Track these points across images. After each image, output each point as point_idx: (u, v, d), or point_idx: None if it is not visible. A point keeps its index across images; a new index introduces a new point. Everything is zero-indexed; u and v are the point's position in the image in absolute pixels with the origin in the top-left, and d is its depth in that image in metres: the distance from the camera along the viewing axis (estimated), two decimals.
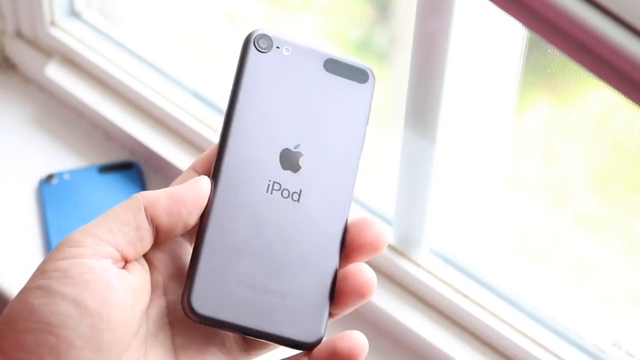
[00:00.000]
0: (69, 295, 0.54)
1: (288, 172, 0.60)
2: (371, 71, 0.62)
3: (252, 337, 0.58)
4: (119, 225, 0.56)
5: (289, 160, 0.60)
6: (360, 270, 0.58)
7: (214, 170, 0.59)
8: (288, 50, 0.61)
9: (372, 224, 0.60)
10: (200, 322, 0.57)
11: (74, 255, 0.55)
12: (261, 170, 0.59)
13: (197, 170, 0.61)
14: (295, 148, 0.60)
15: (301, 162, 0.60)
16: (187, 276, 0.57)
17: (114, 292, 0.55)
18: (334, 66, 0.62)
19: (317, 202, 0.60)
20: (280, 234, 0.59)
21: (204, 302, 0.56)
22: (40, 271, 0.55)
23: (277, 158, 0.60)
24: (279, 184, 0.60)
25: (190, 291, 0.57)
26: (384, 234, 0.60)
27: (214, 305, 0.57)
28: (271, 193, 0.59)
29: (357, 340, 0.58)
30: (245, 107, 0.60)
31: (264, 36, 0.61)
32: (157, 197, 0.57)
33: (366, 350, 0.58)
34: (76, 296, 0.54)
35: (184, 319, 0.58)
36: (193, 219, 0.58)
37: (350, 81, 0.62)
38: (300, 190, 0.60)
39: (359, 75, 0.62)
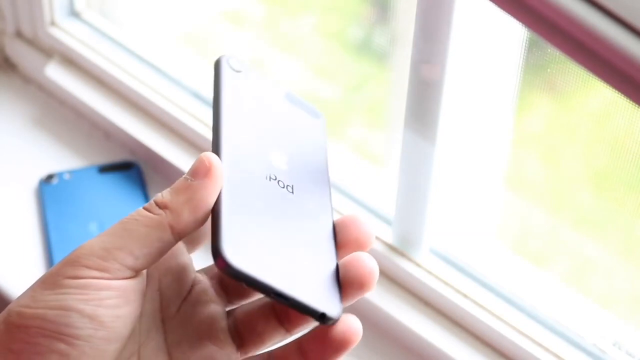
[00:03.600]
0: (84, 311, 0.54)
1: (278, 168, 0.61)
2: (321, 114, 0.66)
3: (280, 302, 0.56)
4: (143, 249, 0.55)
5: (276, 164, 0.61)
6: (361, 259, 0.58)
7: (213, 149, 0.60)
8: (255, 76, 0.64)
9: (357, 221, 0.60)
10: (232, 277, 0.55)
11: (92, 276, 0.55)
12: (258, 164, 0.60)
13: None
14: (278, 156, 0.61)
15: (283, 165, 0.61)
16: (213, 231, 0.55)
17: (127, 307, 0.56)
18: (293, 99, 0.65)
19: (307, 198, 0.61)
20: (285, 215, 0.59)
21: (237, 255, 0.55)
22: (55, 283, 0.55)
23: (267, 158, 0.61)
24: (275, 176, 0.60)
25: (221, 242, 0.55)
26: (370, 230, 0.59)
27: (247, 260, 0.55)
28: (270, 181, 0.60)
29: (351, 324, 0.57)
30: (231, 117, 0.61)
31: (236, 58, 0.63)
32: (180, 212, 0.56)
33: (360, 336, 0.58)
34: (92, 312, 0.54)
35: (176, 315, 0.58)
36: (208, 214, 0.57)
37: (307, 114, 0.65)
38: (293, 185, 0.60)
39: (313, 112, 0.66)
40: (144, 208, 0.56)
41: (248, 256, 0.55)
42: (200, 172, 0.56)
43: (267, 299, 0.60)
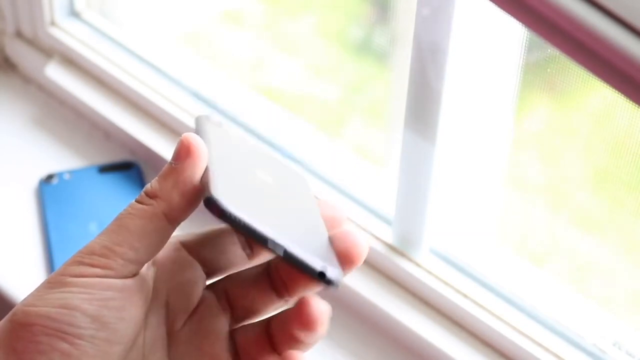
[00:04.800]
0: (88, 310, 0.54)
1: (264, 179, 0.61)
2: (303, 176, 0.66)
3: (276, 254, 0.55)
4: (142, 241, 0.55)
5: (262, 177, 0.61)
6: (350, 234, 0.58)
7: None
8: (236, 130, 0.63)
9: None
10: (229, 223, 0.53)
11: (97, 274, 0.55)
12: (246, 170, 0.60)
13: None
14: (264, 174, 0.61)
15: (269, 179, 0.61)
16: (205, 186, 0.55)
17: (131, 308, 0.55)
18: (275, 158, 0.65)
19: (296, 198, 0.61)
20: (277, 193, 0.59)
21: (231, 202, 0.54)
22: (60, 282, 0.55)
23: (254, 170, 0.61)
24: (262, 181, 0.60)
25: (213, 189, 0.54)
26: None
27: (243, 208, 0.54)
28: (255, 177, 0.60)
29: (320, 307, 0.56)
30: (217, 155, 0.59)
31: (213, 117, 0.63)
32: (170, 197, 0.56)
33: (325, 319, 0.56)
34: (95, 312, 0.54)
35: (181, 330, 0.58)
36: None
37: (290, 169, 0.65)
38: (280, 196, 0.60)
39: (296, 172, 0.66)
40: (136, 201, 0.56)
41: (243, 205, 0.54)
42: (182, 154, 0.56)
43: (266, 324, 0.59)
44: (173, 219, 0.56)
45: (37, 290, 0.55)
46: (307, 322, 0.56)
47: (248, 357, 0.59)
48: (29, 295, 0.55)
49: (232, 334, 0.60)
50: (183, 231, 0.60)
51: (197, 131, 0.60)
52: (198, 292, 0.60)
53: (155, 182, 0.56)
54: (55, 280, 0.55)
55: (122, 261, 0.55)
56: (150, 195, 0.56)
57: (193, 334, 0.59)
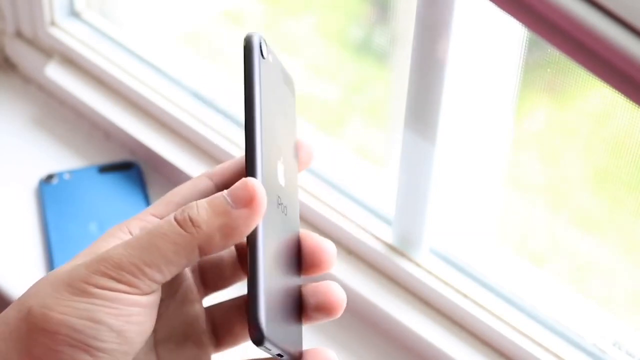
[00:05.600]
0: (114, 325, 0.54)
1: (280, 185, 0.60)
2: (292, 78, 0.65)
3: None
4: (169, 266, 0.55)
5: (280, 174, 0.60)
6: (331, 289, 0.59)
7: (249, 170, 0.57)
8: (274, 62, 0.61)
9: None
10: (260, 346, 0.55)
11: (123, 290, 0.54)
12: (273, 185, 0.58)
13: (213, 180, 0.61)
14: (282, 162, 0.60)
15: (282, 175, 0.60)
16: (251, 296, 0.55)
17: (149, 322, 0.56)
18: (285, 75, 0.63)
19: (292, 217, 0.61)
20: (285, 252, 0.59)
21: (270, 328, 0.55)
22: (84, 292, 0.54)
23: (276, 171, 0.59)
24: (280, 198, 0.59)
25: (261, 317, 0.54)
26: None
27: (276, 333, 0.55)
28: (277, 207, 0.59)
29: (327, 358, 0.59)
30: (263, 121, 0.58)
31: (264, 43, 0.60)
32: (212, 235, 0.55)
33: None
34: (120, 327, 0.54)
35: (165, 313, 0.59)
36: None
37: (288, 89, 0.64)
38: (287, 206, 0.60)
39: (290, 81, 0.65)
40: (176, 220, 0.55)
41: (275, 327, 0.55)
42: (242, 201, 0.55)
43: (243, 299, 0.62)
44: (204, 253, 0.55)
45: (56, 292, 0.54)
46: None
47: (229, 332, 0.61)
48: (41, 292, 0.55)
49: (210, 312, 0.62)
50: None
51: (248, 72, 0.58)
52: (181, 274, 0.61)
53: (204, 212, 0.55)
54: (79, 287, 0.54)
55: (149, 282, 0.55)
56: (194, 224, 0.55)
57: (176, 316, 0.60)
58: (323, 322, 0.60)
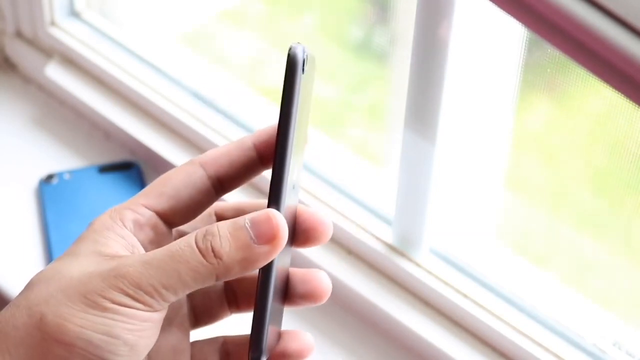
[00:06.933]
0: (129, 340, 0.55)
1: (292, 188, 0.59)
2: None
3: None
4: (185, 290, 0.56)
5: (294, 178, 0.60)
6: (319, 278, 0.62)
7: (273, 199, 0.57)
8: (311, 75, 0.60)
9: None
10: None
11: (138, 308, 0.55)
12: (289, 199, 0.58)
13: (206, 169, 0.60)
14: (297, 164, 0.60)
15: (296, 174, 0.60)
16: (256, 328, 0.57)
17: (156, 335, 0.57)
18: (312, 63, 0.61)
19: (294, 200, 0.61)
20: (282, 273, 0.60)
21: (267, 346, 0.57)
22: (100, 306, 0.55)
23: (292, 182, 0.59)
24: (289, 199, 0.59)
25: (264, 346, 0.56)
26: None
27: (270, 341, 0.58)
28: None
29: (305, 341, 0.61)
30: (294, 144, 0.58)
31: (306, 57, 0.58)
32: (232, 267, 0.55)
33: (312, 350, 0.61)
34: (134, 342, 0.55)
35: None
36: None
37: (314, 74, 0.62)
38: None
39: (314, 63, 0.62)
40: (199, 248, 0.55)
41: (269, 339, 0.57)
42: (264, 237, 0.56)
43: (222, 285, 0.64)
44: (220, 280, 0.56)
45: (71, 301, 0.55)
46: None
47: (207, 314, 0.64)
48: (58, 304, 0.55)
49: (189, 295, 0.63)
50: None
51: (289, 87, 0.57)
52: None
53: (227, 245, 0.55)
54: (95, 300, 0.55)
55: (164, 303, 0.55)
56: (216, 255, 0.55)
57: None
58: (306, 307, 0.63)
